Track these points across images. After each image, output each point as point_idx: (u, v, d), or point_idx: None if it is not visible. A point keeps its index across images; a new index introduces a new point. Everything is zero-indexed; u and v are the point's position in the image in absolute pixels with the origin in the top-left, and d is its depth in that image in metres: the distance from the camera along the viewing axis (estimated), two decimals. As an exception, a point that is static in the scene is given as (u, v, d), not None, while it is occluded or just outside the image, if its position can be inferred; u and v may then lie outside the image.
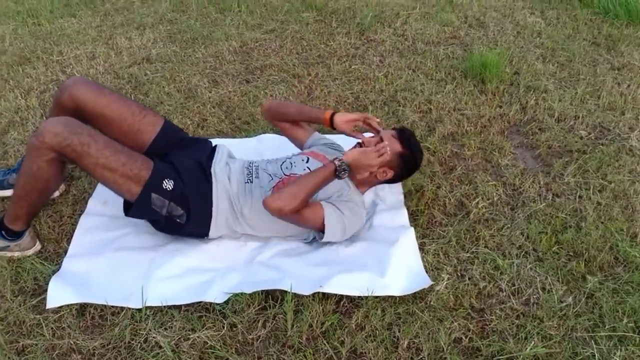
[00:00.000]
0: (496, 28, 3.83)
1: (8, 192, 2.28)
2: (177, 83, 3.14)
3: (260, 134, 2.72)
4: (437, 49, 3.53)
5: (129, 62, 3.37)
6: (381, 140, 2.06)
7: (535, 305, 1.87)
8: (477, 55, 3.30)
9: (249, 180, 2.05)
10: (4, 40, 3.63)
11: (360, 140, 2.11)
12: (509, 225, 2.20)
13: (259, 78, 3.21)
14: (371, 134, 2.17)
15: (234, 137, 2.72)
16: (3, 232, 1.98)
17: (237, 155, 2.28)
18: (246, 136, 2.72)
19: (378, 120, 2.17)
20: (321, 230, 1.98)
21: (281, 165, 2.12)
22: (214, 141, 2.45)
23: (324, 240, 2.00)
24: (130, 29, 3.80)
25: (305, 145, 2.32)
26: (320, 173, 1.92)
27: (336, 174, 1.92)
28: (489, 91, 3.07)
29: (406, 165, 2.11)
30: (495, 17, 3.99)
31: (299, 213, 1.88)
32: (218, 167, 2.06)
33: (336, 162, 1.91)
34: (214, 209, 2.00)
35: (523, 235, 2.15)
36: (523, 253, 2.08)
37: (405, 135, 2.10)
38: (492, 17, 3.98)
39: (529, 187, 2.39)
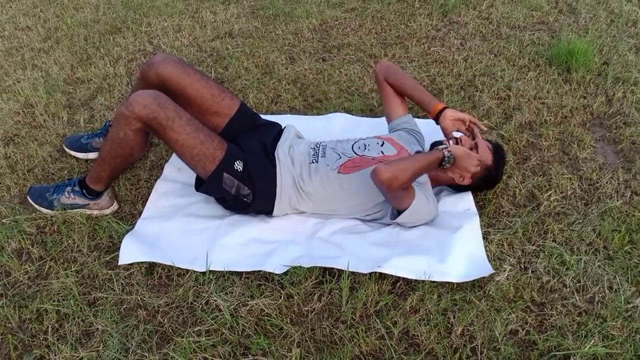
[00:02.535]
0: (588, 15, 3.63)
1: (92, 155, 2.43)
2: (256, 58, 3.20)
3: (331, 112, 2.74)
4: (522, 34, 3.40)
5: (212, 36, 3.47)
6: (476, 146, 2.09)
7: (599, 304, 1.80)
8: (565, 42, 3.15)
9: (314, 161, 2.07)
10: (98, 9, 3.83)
11: (458, 136, 2.12)
12: (581, 221, 2.11)
13: (335, 57, 3.22)
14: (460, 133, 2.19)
15: (305, 114, 2.75)
16: (84, 191, 2.11)
17: (305, 133, 2.31)
18: (317, 114, 2.74)
19: (484, 128, 2.17)
20: (402, 210, 1.97)
21: (353, 145, 2.13)
22: (285, 118, 2.50)
23: (398, 220, 2.00)
24: (215, 3, 3.90)
25: (394, 122, 2.33)
26: (429, 157, 1.92)
27: (441, 163, 1.95)
28: (574, 80, 2.93)
29: (486, 180, 2.14)
30: (589, 4, 3.78)
31: (400, 189, 1.85)
32: (281, 150, 2.11)
33: (445, 153, 1.94)
34: (277, 188, 2.05)
35: (594, 232, 2.06)
36: (592, 250, 2.00)
37: (500, 152, 2.14)
38: (584, 3, 3.78)
39: (607, 182, 2.28)
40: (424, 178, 2.11)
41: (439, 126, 2.17)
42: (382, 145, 2.12)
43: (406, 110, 2.36)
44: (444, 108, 2.14)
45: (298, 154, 2.10)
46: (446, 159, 1.94)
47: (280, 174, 2.05)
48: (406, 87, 2.26)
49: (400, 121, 2.32)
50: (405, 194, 1.90)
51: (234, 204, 2.08)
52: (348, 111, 2.76)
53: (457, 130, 2.17)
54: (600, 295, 1.83)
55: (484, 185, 2.18)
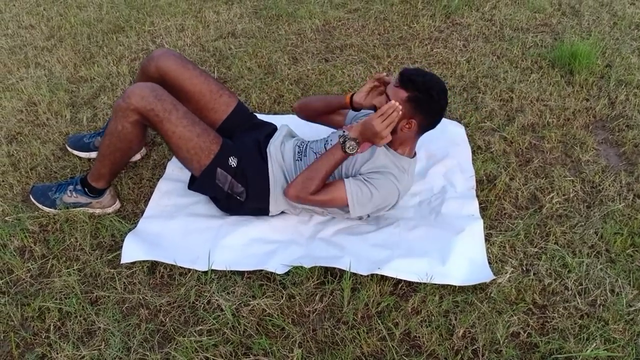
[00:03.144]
0: (591, 17, 3.63)
1: (94, 154, 2.44)
2: (259, 58, 3.20)
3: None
4: (525, 36, 3.40)
5: (215, 36, 3.47)
6: (387, 97, 1.89)
7: (601, 307, 1.80)
8: (568, 44, 3.15)
9: (299, 159, 2.07)
10: (102, 8, 3.83)
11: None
12: (583, 224, 2.11)
13: (338, 57, 3.22)
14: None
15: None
16: (86, 189, 2.12)
17: (305, 133, 2.31)
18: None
19: (384, 74, 1.98)
20: (345, 207, 1.95)
21: (325, 144, 2.12)
22: (288, 118, 2.49)
23: (352, 216, 1.96)
24: (219, 3, 3.90)
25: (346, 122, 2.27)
26: (329, 153, 1.89)
27: (344, 150, 1.85)
28: (577, 83, 2.93)
29: (423, 106, 1.85)
30: (592, 6, 3.78)
31: (318, 197, 1.89)
32: (273, 146, 2.11)
33: (341, 140, 1.85)
34: (271, 184, 2.05)
35: (597, 235, 2.06)
36: (595, 253, 2.00)
37: (404, 78, 1.85)
38: (588, 6, 3.78)
39: (609, 185, 2.28)
40: (387, 154, 1.97)
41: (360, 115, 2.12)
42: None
43: (345, 112, 2.24)
44: (351, 95, 2.04)
45: (288, 150, 2.10)
46: (344, 143, 1.84)
47: (272, 170, 2.05)
48: (318, 107, 2.23)
49: (348, 118, 2.23)
50: (331, 195, 1.90)
51: (228, 203, 2.08)
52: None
53: (377, 104, 1.98)
54: (602, 298, 1.83)
55: (431, 110, 1.88)
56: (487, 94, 2.87)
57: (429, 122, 1.92)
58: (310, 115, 2.29)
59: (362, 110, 2.15)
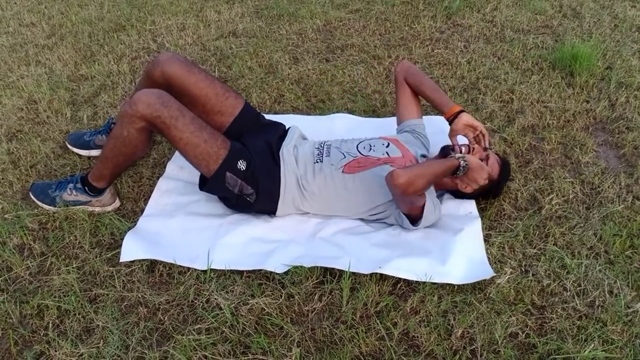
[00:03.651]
0: (592, 19, 3.63)
1: (94, 152, 2.43)
2: (260, 58, 3.21)
3: (334, 113, 2.74)
4: (526, 38, 3.40)
5: (216, 35, 3.47)
6: (487, 157, 2.10)
7: (600, 308, 1.80)
8: (569, 46, 3.15)
9: (318, 160, 2.08)
10: (103, 7, 3.83)
11: (468, 143, 2.12)
12: (582, 225, 2.12)
13: (338, 57, 3.22)
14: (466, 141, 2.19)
15: (308, 114, 2.76)
16: (86, 188, 2.12)
17: (308, 133, 2.32)
18: (320, 114, 2.75)
19: (491, 142, 2.18)
20: (413, 215, 1.98)
21: (357, 145, 2.13)
22: (288, 117, 2.50)
23: (415, 226, 2.01)
24: (220, 2, 3.90)
25: (405, 123, 2.32)
26: (445, 164, 1.93)
27: (455, 172, 1.96)
28: (577, 85, 2.94)
29: (488, 191, 2.16)
30: (593, 8, 3.78)
31: (415, 194, 1.85)
32: (286, 150, 2.11)
33: (461, 162, 1.95)
34: (281, 188, 2.05)
35: (596, 236, 2.06)
36: (593, 254, 2.00)
37: (506, 167, 2.18)
38: (589, 8, 3.78)
39: (609, 187, 2.28)
40: None
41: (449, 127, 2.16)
42: (387, 147, 2.12)
43: (421, 114, 2.35)
44: (462, 111, 2.11)
45: (302, 154, 2.10)
46: (461, 168, 1.95)
47: (284, 174, 2.05)
48: (425, 89, 2.23)
49: (412, 123, 2.31)
50: (415, 199, 1.90)
51: (237, 203, 2.08)
52: (351, 112, 2.76)
53: (465, 136, 2.14)
54: (600, 299, 1.83)
55: (486, 195, 2.20)
56: (488, 95, 2.87)
57: (471, 196, 2.17)
58: (411, 82, 2.29)
59: (414, 125, 2.31)
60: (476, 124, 2.11)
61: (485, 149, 2.12)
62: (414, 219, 2.00)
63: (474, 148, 2.11)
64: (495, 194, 2.21)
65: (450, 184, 2.12)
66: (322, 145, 2.15)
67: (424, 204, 1.94)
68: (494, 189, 2.17)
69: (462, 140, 2.17)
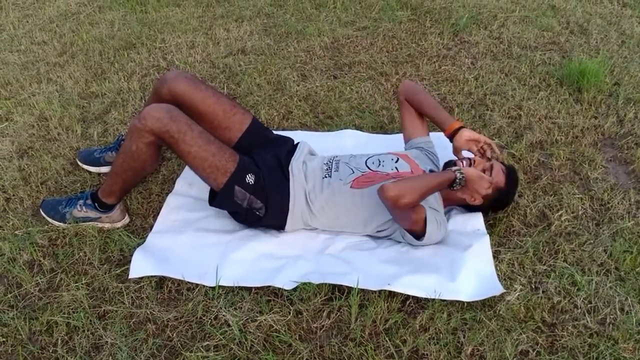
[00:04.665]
0: (599, 36, 3.64)
1: (104, 169, 2.45)
2: (268, 75, 3.23)
3: (342, 129, 2.75)
4: (533, 54, 3.41)
5: (225, 53, 3.50)
6: (491, 168, 2.09)
7: (611, 325, 1.79)
8: (576, 62, 3.16)
9: (327, 175, 2.08)
10: (114, 25, 3.88)
11: (471, 157, 2.12)
12: (592, 241, 2.10)
13: (346, 74, 3.24)
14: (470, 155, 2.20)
15: (316, 130, 2.77)
16: (96, 204, 2.13)
17: (316, 149, 2.33)
18: (328, 130, 2.76)
19: (498, 153, 2.18)
20: (415, 231, 1.98)
21: (366, 160, 2.13)
22: (297, 134, 2.51)
23: (420, 242, 2.00)
24: (229, 20, 3.94)
25: (413, 140, 2.34)
26: (440, 177, 1.94)
27: (452, 185, 1.95)
28: (585, 101, 2.94)
29: (497, 201, 2.14)
30: (600, 25, 3.79)
31: (408, 209, 1.86)
32: (295, 165, 2.12)
33: (457, 174, 1.94)
34: (290, 203, 2.06)
35: (606, 253, 2.05)
36: (604, 271, 1.98)
37: (513, 175, 2.15)
38: (596, 24, 3.79)
39: (618, 203, 2.27)
40: (436, 197, 2.09)
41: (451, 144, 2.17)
42: (396, 162, 2.12)
43: (427, 131, 2.37)
44: (461, 127, 2.14)
45: (311, 170, 2.11)
46: (457, 180, 1.95)
47: (293, 188, 2.06)
48: (425, 107, 2.26)
49: (419, 141, 2.32)
50: (412, 214, 1.90)
51: (246, 218, 2.09)
52: (359, 128, 2.77)
53: (469, 150, 2.17)
54: (611, 316, 1.82)
55: (495, 206, 2.19)
56: (495, 111, 2.87)
57: (481, 209, 2.18)
58: (412, 101, 2.31)
59: (422, 142, 2.32)
60: (478, 137, 2.13)
61: (489, 159, 2.12)
62: (418, 235, 1.99)
63: (474, 160, 2.11)
64: (506, 204, 2.20)
65: (457, 198, 2.11)
66: (332, 160, 2.15)
67: (425, 218, 1.93)
68: (503, 199, 2.15)
69: (467, 155, 2.17)
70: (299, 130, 2.76)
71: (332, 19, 3.90)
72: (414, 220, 1.92)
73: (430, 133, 2.39)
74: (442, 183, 1.93)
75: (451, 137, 2.16)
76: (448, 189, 1.99)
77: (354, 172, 2.08)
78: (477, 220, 2.16)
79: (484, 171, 2.08)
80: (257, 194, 2.02)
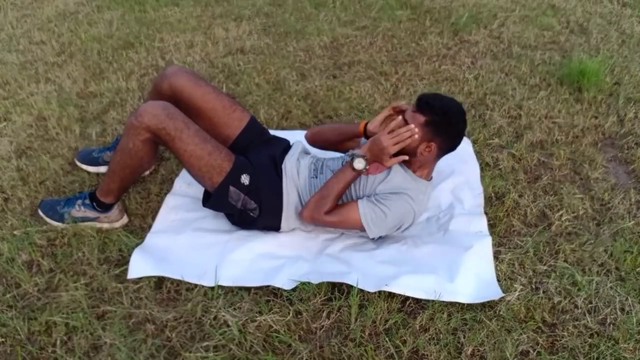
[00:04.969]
0: (599, 35, 3.64)
1: (102, 169, 2.44)
2: (267, 75, 3.23)
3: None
4: (533, 54, 3.41)
5: (224, 52, 3.50)
6: (405, 122, 1.90)
7: (611, 325, 1.78)
8: (576, 62, 3.16)
9: (314, 176, 2.07)
10: (112, 25, 3.87)
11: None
12: (592, 241, 2.10)
13: (345, 74, 3.24)
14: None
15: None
16: (94, 204, 2.12)
17: (313, 150, 2.32)
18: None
19: (404, 102, 2.02)
20: (361, 228, 1.96)
21: (343, 162, 2.12)
22: (296, 134, 2.50)
23: (370, 236, 1.98)
24: (228, 20, 3.94)
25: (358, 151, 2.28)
26: (340, 172, 1.94)
27: (353, 167, 1.90)
28: (585, 100, 2.93)
29: (441, 129, 1.88)
30: (600, 24, 3.79)
31: (332, 217, 1.92)
32: (289, 162, 2.11)
33: (348, 157, 1.92)
34: (284, 202, 2.05)
35: (606, 253, 2.05)
36: (604, 271, 1.98)
37: (422, 103, 1.88)
38: (596, 24, 3.79)
39: (619, 203, 2.27)
40: (404, 175, 1.97)
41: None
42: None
43: (359, 141, 2.22)
44: (365, 124, 2.08)
45: (303, 166, 2.10)
46: (355, 160, 1.88)
47: (286, 187, 2.05)
48: (331, 137, 2.24)
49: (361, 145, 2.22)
50: (345, 216, 1.93)
51: (241, 219, 2.08)
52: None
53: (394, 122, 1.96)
54: (612, 316, 1.81)
55: (450, 133, 1.91)
56: (495, 110, 2.87)
57: (449, 145, 1.95)
58: (324, 145, 2.30)
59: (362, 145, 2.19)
60: (382, 115, 2.02)
61: (401, 113, 1.98)
62: (364, 230, 1.96)
63: (392, 128, 1.90)
64: (451, 123, 1.89)
65: (421, 159, 1.94)
66: (318, 161, 2.13)
67: (359, 214, 1.91)
68: (442, 123, 1.87)
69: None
70: (298, 129, 2.75)
71: (331, 19, 3.89)
72: (352, 221, 1.93)
73: None
74: (344, 175, 1.92)
75: (367, 134, 2.08)
76: (358, 172, 1.91)
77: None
78: (480, 222, 2.15)
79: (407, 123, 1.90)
80: (251, 194, 2.01)
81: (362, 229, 1.96)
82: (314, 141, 2.31)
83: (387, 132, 1.86)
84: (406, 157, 1.92)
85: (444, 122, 1.87)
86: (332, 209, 1.94)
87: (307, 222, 1.95)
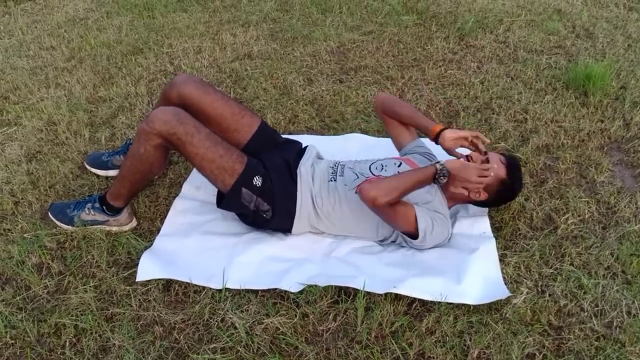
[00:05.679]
0: (605, 39, 3.64)
1: (112, 172, 2.47)
2: (274, 79, 3.25)
3: (348, 133, 2.76)
4: (539, 58, 3.42)
5: (231, 58, 3.52)
6: (487, 161, 2.05)
7: (618, 329, 1.78)
8: (582, 66, 3.16)
9: (332, 179, 2.09)
10: (121, 30, 3.91)
11: (467, 154, 2.08)
12: (599, 245, 2.10)
13: (352, 79, 3.25)
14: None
15: (322, 134, 2.78)
16: (104, 208, 2.15)
17: (323, 152, 2.34)
18: (334, 134, 2.77)
19: (488, 141, 2.12)
20: (409, 232, 1.98)
21: (370, 165, 2.14)
22: (303, 138, 2.52)
23: (418, 242, 1.99)
24: (235, 25, 3.96)
25: (405, 148, 2.32)
26: (420, 172, 1.92)
27: (435, 177, 1.92)
28: (591, 104, 2.93)
29: (503, 193, 2.09)
30: (606, 28, 3.79)
31: (391, 208, 1.88)
32: (304, 167, 2.13)
33: (437, 166, 1.92)
34: (297, 205, 2.07)
35: (612, 256, 2.05)
36: (611, 274, 1.98)
37: (513, 163, 2.10)
38: (602, 28, 3.79)
39: (625, 206, 2.27)
40: (438, 197, 2.07)
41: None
42: (399, 166, 2.12)
43: (414, 135, 2.34)
44: (443, 129, 2.09)
45: (319, 172, 2.12)
46: (439, 172, 1.91)
47: (300, 191, 2.07)
48: (403, 116, 2.25)
49: (412, 145, 2.31)
50: (402, 212, 1.91)
51: (254, 220, 2.10)
52: (365, 132, 2.78)
53: (462, 147, 2.12)
54: (618, 320, 1.81)
55: (504, 198, 2.15)
56: (501, 115, 2.87)
57: (489, 204, 2.16)
58: (390, 114, 2.30)
59: (415, 146, 2.29)
60: (463, 134, 2.08)
61: (485, 153, 2.07)
62: (412, 235, 1.98)
63: (471, 156, 2.06)
64: (512, 194, 2.13)
65: (460, 196, 2.07)
66: (337, 164, 2.16)
67: (415, 216, 1.92)
68: (508, 189, 2.08)
69: (464, 152, 2.14)
70: (305, 134, 2.77)
71: (338, 24, 3.91)
72: (402, 220, 1.93)
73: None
74: (422, 178, 1.91)
75: (436, 141, 2.12)
76: (435, 183, 1.95)
77: (358, 177, 2.08)
78: (483, 224, 2.16)
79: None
80: (264, 196, 2.03)
81: (404, 233, 1.99)
82: (385, 106, 2.30)
83: (481, 167, 1.96)
84: (465, 192, 2.01)
85: (510, 192, 2.11)
86: (395, 203, 1.90)
87: (366, 201, 1.85)
